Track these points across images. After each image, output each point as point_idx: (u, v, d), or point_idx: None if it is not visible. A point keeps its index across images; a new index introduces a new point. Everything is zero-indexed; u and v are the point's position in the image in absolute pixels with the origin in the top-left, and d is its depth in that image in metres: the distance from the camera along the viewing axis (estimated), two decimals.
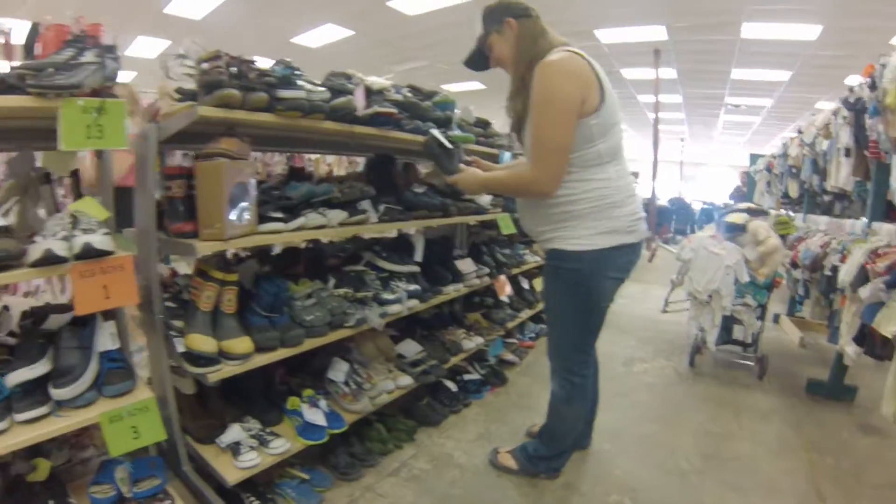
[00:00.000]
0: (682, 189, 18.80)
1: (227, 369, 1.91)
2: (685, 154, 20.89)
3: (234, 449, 2.05)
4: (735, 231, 3.88)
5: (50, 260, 1.43)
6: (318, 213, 2.16)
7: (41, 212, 1.77)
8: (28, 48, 1.60)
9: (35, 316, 1.77)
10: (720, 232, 3.96)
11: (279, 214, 2.03)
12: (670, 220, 15.37)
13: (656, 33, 8.67)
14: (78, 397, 1.55)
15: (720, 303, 3.69)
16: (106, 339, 1.70)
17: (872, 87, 3.07)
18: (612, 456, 2.75)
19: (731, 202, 10.72)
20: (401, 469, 2.54)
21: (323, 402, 2.35)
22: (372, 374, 2.63)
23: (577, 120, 1.93)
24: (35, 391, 1.52)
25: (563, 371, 2.36)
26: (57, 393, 1.52)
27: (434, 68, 11.38)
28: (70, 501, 1.71)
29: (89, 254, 1.48)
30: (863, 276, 2.91)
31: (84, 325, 1.70)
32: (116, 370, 1.66)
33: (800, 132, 5.08)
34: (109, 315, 1.78)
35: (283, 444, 2.12)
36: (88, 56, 1.51)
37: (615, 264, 2.14)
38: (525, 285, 4.57)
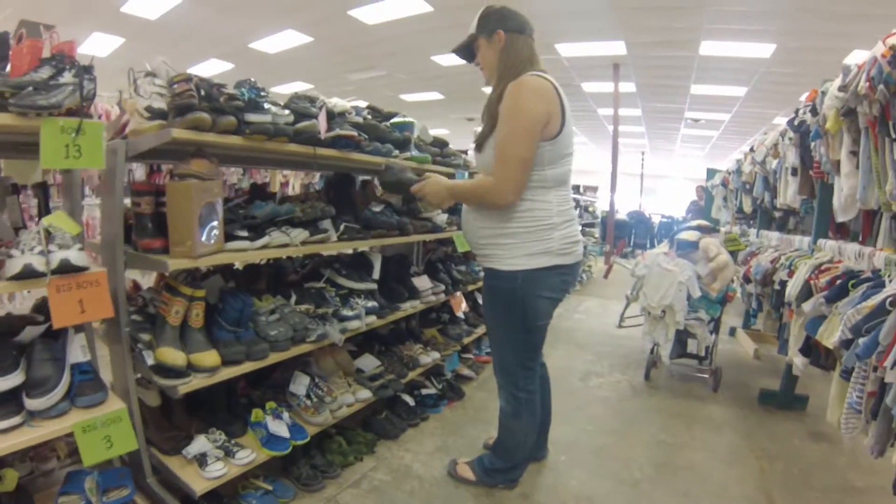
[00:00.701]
0: (642, 202, 19.29)
1: (196, 382, 2.05)
2: (645, 167, 21.45)
3: (201, 460, 2.18)
4: (687, 248, 4.15)
5: (29, 274, 1.52)
6: (281, 231, 2.33)
7: (5, 221, 1.89)
8: None
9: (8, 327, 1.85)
10: (673, 249, 4.22)
11: (245, 233, 2.20)
12: (629, 233, 15.76)
13: (616, 48, 9.04)
14: (52, 408, 1.64)
15: (674, 317, 3.93)
16: (77, 351, 1.81)
17: (814, 111, 3.30)
18: (568, 467, 2.93)
19: (688, 216, 11.12)
20: (361, 480, 2.70)
21: (286, 415, 2.50)
22: (332, 388, 2.79)
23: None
24: (8, 402, 1.60)
25: (509, 387, 2.52)
26: (31, 403, 1.60)
27: (393, 78, 11.60)
28: None
29: (66, 269, 1.59)
30: (807, 291, 3.11)
31: (56, 338, 1.81)
32: (88, 382, 1.77)
33: (752, 150, 5.39)
34: (80, 328, 1.89)
35: (249, 454, 2.26)
36: (67, 77, 1.63)
37: (548, 284, 2.32)
38: (481, 301, 4.72)
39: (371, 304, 2.93)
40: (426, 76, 11.37)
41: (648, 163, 21.64)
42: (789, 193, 4.18)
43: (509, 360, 2.50)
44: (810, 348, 3.07)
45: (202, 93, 1.95)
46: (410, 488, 2.67)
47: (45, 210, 2.18)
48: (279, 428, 2.41)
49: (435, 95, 13.23)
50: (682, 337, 4.23)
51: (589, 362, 4.92)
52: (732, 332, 6.00)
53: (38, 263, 1.54)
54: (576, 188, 11.49)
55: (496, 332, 2.54)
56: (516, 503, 2.59)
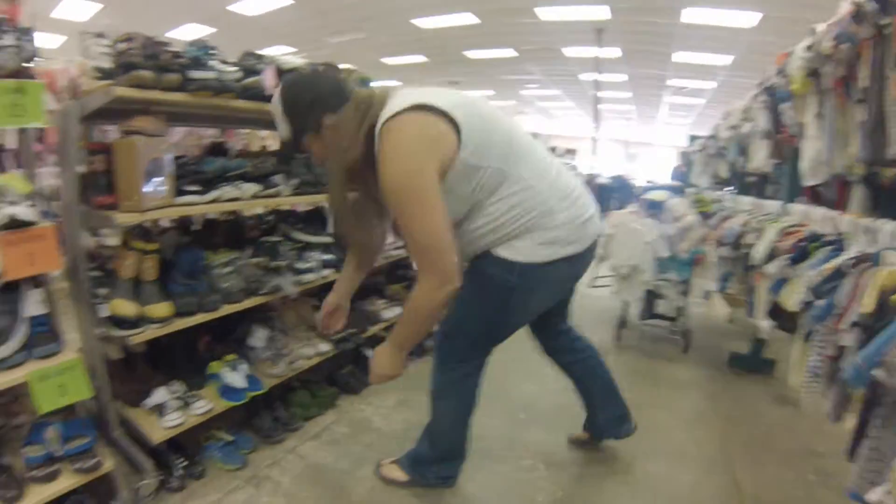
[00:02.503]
0: (626, 168, 19.34)
1: (149, 332, 2.16)
2: (630, 133, 21.33)
3: (160, 410, 2.32)
4: (655, 208, 4.25)
5: None
6: (232, 186, 2.42)
7: None
8: None
9: None
10: (641, 209, 4.32)
11: (195, 188, 2.28)
12: (611, 197, 15.85)
13: (599, 13, 8.99)
14: (7, 358, 1.76)
15: (641, 277, 4.06)
16: (34, 304, 1.90)
17: (783, 74, 3.35)
18: (527, 423, 3.03)
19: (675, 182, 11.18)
20: (322, 433, 2.83)
21: (243, 367, 2.61)
22: (291, 341, 2.91)
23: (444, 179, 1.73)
24: None
25: (447, 357, 2.21)
26: None
27: (374, 41, 11.55)
28: (4, 461, 1.91)
29: (14, 224, 1.69)
30: (773, 254, 3.16)
31: (12, 292, 1.89)
32: (43, 333, 1.88)
33: (726, 116, 5.43)
34: (38, 283, 1.97)
35: (206, 404, 2.40)
36: (7, 39, 1.71)
37: (551, 279, 1.97)
38: None
39: (327, 257, 3.01)
40: (407, 39, 11.33)
41: (634, 130, 21.54)
42: (760, 157, 4.22)
43: (462, 335, 2.15)
44: (776, 311, 3.15)
45: (147, 52, 2.02)
46: (369, 440, 2.79)
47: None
48: (235, 379, 2.53)
49: (418, 58, 13.19)
50: (651, 297, 4.34)
51: None
52: (707, 295, 6.07)
53: None
54: (552, 150, 11.58)
55: (463, 304, 2.02)
56: (473, 457, 2.52)
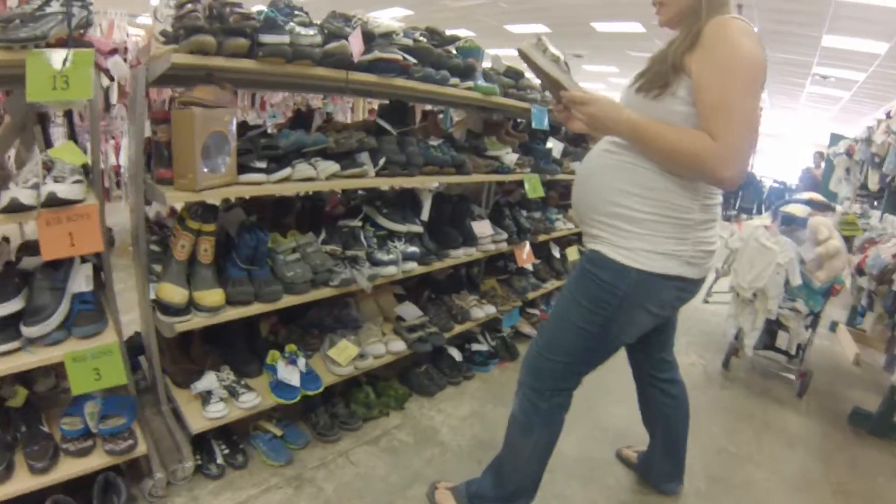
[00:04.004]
0: (753, 162, 17.92)
1: (197, 320, 2.01)
2: (762, 124, 19.65)
3: (206, 397, 2.17)
4: (793, 224, 3.66)
5: (15, 208, 1.52)
6: (308, 164, 2.19)
7: (36, 152, 1.89)
8: None
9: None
10: (776, 223, 3.74)
11: (262, 165, 2.06)
12: (736, 195, 14.63)
13: None
14: (46, 336, 1.69)
15: (765, 304, 3.51)
16: (80, 281, 1.81)
17: None
18: (611, 461, 2.68)
19: (799, 186, 10.04)
20: (381, 438, 2.61)
21: (301, 361, 2.40)
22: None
23: None
24: (9, 327, 1.66)
25: (535, 388, 1.98)
26: (27, 331, 1.66)
27: (496, 7, 11.08)
28: (42, 429, 1.86)
29: (54, 203, 1.56)
30: None
31: (57, 268, 1.81)
32: (87, 312, 1.79)
33: (888, 116, 4.71)
34: (86, 257, 1.89)
35: (254, 399, 2.22)
36: (54, 6, 1.57)
37: (661, 297, 1.80)
38: (556, 254, 4.38)
39: (412, 249, 2.70)
40: (530, 6, 10.67)
41: (766, 119, 19.82)
42: None
43: (557, 357, 1.92)
44: None
45: (214, 13, 1.81)
46: (430, 455, 2.55)
47: (71, 136, 2.21)
48: (290, 375, 2.32)
49: (541, 28, 12.57)
50: (772, 327, 3.77)
51: None
52: (833, 327, 5.29)
53: (27, 197, 1.55)
54: None
55: (560, 323, 1.93)
56: (541, 493, 2.17)
